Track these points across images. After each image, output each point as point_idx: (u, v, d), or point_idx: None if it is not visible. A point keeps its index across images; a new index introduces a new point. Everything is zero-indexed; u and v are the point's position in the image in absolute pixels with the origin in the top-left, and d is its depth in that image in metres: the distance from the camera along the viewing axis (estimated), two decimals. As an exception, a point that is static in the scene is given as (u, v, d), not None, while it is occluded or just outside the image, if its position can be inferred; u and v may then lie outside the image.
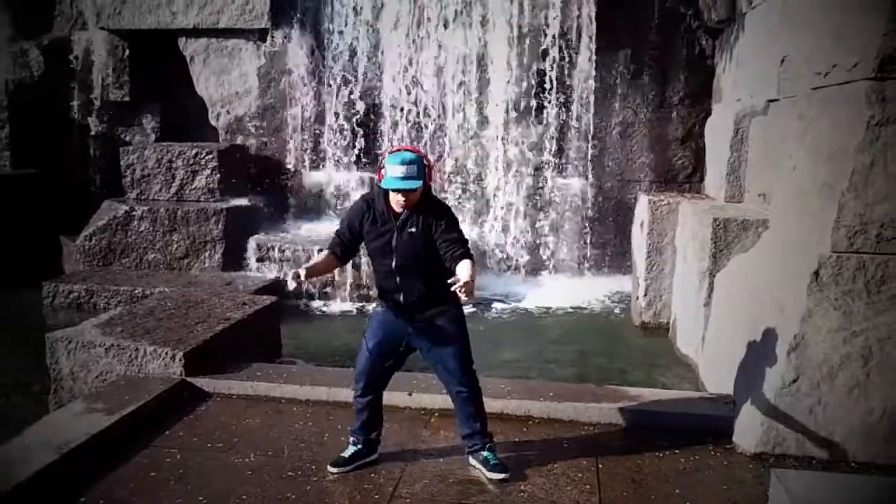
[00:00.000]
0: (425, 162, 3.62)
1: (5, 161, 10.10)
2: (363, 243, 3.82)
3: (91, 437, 3.99)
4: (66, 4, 10.31)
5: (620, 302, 8.48)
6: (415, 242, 3.66)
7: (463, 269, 3.48)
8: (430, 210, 3.69)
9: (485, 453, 3.84)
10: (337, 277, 8.21)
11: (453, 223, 3.71)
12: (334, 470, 3.84)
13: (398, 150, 3.63)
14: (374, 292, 8.00)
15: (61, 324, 6.32)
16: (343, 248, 3.83)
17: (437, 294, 3.69)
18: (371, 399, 3.91)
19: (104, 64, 10.12)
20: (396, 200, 3.62)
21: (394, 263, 3.70)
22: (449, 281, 3.43)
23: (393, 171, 3.53)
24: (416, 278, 3.71)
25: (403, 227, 3.66)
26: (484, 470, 3.80)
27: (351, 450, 3.90)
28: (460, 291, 3.38)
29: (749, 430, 4.15)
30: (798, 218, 4.86)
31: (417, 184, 3.56)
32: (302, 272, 3.63)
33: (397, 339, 3.85)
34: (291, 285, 3.67)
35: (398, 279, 3.73)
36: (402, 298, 3.76)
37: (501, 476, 3.74)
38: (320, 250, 3.83)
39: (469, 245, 3.70)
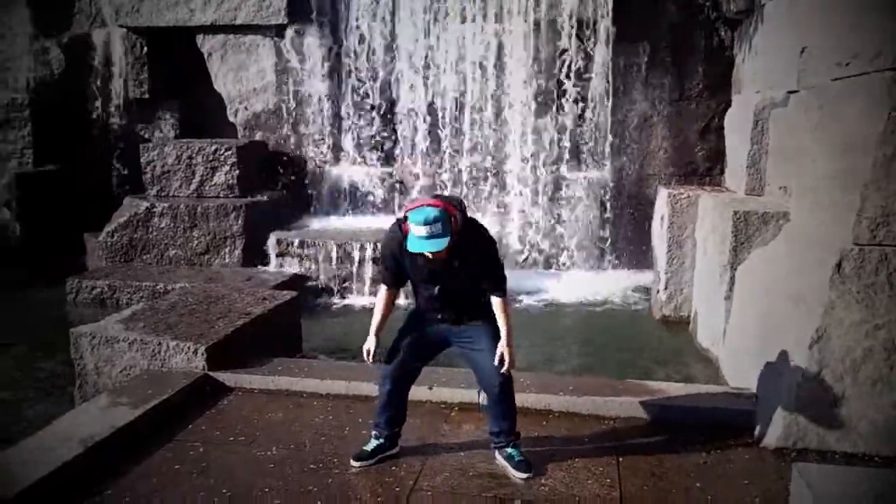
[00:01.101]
0: (449, 213, 3.48)
1: (27, 159, 10.20)
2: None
3: (115, 431, 4.06)
4: (84, 2, 10.39)
5: (641, 296, 8.44)
6: (457, 273, 3.67)
7: (503, 342, 3.70)
8: (471, 240, 3.64)
9: (510, 450, 3.85)
10: (356, 272, 8.25)
11: (494, 257, 3.77)
12: (357, 464, 3.87)
13: (420, 206, 3.47)
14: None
15: (85, 319, 6.39)
16: (394, 278, 3.85)
17: (475, 311, 3.80)
18: (398, 395, 3.92)
19: (123, 61, 10.21)
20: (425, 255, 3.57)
21: (436, 290, 3.74)
22: (495, 364, 3.70)
23: (417, 231, 3.44)
24: (458, 301, 3.78)
25: (449, 260, 3.61)
26: (509, 467, 3.82)
27: (373, 444, 3.93)
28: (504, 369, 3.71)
29: (771, 424, 4.13)
30: (819, 210, 4.82)
31: (444, 242, 3.45)
32: (372, 345, 3.81)
33: (432, 340, 3.91)
34: (370, 361, 3.86)
35: (439, 303, 3.79)
36: (441, 316, 3.83)
37: (525, 475, 3.76)
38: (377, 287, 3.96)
39: (506, 281, 3.79)
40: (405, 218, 3.53)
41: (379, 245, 8.04)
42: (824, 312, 4.16)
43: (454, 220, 3.51)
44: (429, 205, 3.47)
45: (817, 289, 4.28)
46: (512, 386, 3.86)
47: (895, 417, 3.97)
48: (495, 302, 3.74)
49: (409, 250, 3.52)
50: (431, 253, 3.50)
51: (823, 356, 4.08)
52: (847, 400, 4.03)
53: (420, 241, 3.46)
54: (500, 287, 3.74)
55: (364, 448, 3.92)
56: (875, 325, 4.08)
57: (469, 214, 3.72)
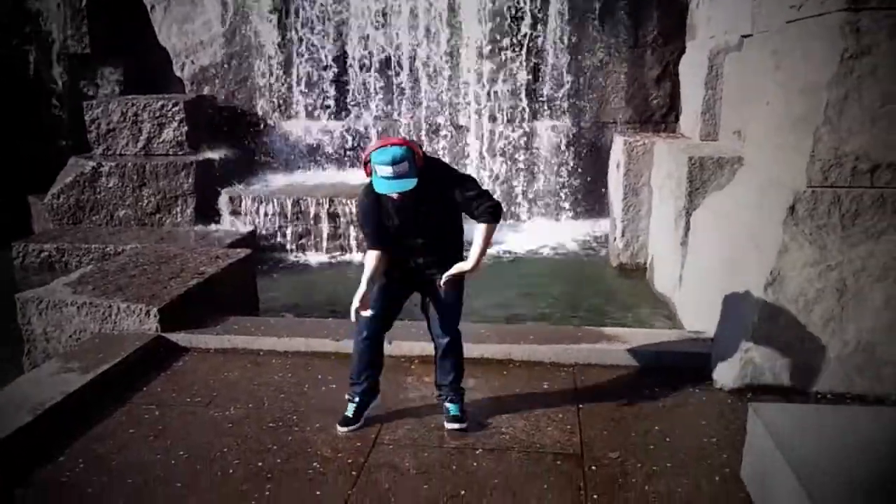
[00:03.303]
0: (414, 151, 3.37)
1: (-36, 120, 9.81)
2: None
3: (67, 397, 3.95)
4: (17, -48, 9.92)
5: (598, 244, 8.49)
6: (436, 214, 3.54)
7: (468, 263, 3.57)
8: (438, 177, 3.51)
9: (448, 404, 3.83)
10: (312, 228, 8.14)
11: (468, 180, 3.61)
12: (344, 429, 3.77)
13: (383, 146, 3.33)
14: (350, 242, 8.02)
15: (33, 284, 6.19)
16: (379, 238, 3.60)
17: (451, 255, 3.68)
18: (378, 345, 3.82)
19: (60, 15, 9.76)
20: (391, 196, 3.43)
21: (418, 240, 3.61)
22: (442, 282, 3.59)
23: (382, 171, 3.30)
24: (437, 245, 3.65)
25: (420, 205, 3.47)
26: (445, 420, 3.80)
27: (352, 407, 3.81)
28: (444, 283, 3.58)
29: (727, 365, 4.19)
30: (773, 154, 4.84)
31: (412, 182, 3.32)
32: (357, 303, 3.56)
33: (402, 296, 3.80)
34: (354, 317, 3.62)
35: (419, 250, 3.64)
36: (419, 262, 3.68)
37: (456, 426, 3.75)
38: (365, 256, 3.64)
39: (500, 208, 3.59)
40: (367, 160, 3.40)
41: (335, 200, 8.04)
42: (778, 255, 4.20)
43: (417, 157, 3.39)
44: (392, 144, 3.35)
45: (771, 231, 4.32)
46: (461, 342, 3.84)
47: (846, 356, 4.06)
48: (481, 227, 3.55)
49: (376, 191, 3.39)
50: (399, 193, 3.38)
51: (777, 297, 4.13)
52: (801, 340, 4.09)
53: (386, 181, 3.33)
54: (489, 212, 3.52)
55: (346, 414, 3.80)
56: (827, 266, 4.13)
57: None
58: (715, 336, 4.52)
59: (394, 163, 3.29)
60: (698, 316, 5.13)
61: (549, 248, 8.40)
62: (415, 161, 3.37)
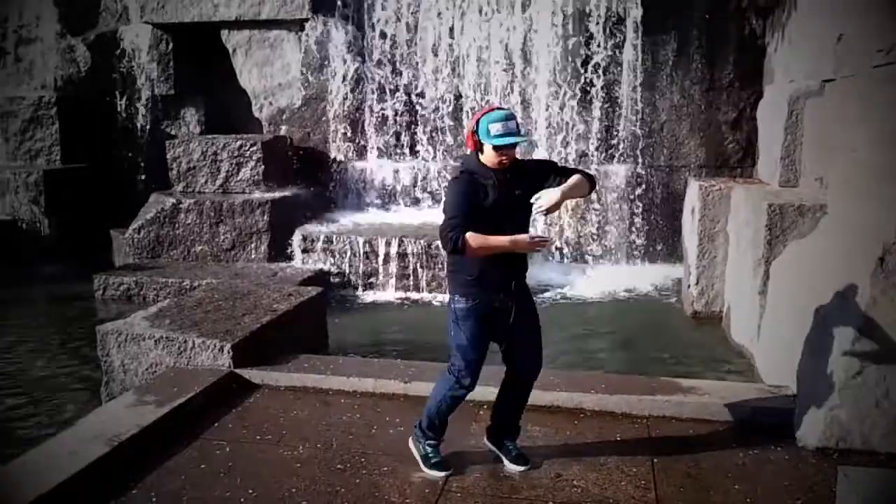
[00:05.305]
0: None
1: (55, 156, 10.28)
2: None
3: (141, 430, 4.01)
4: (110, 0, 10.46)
5: (671, 291, 8.29)
6: (523, 200, 3.49)
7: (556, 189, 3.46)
8: (531, 166, 3.69)
9: (510, 443, 3.82)
10: (381, 267, 8.20)
11: (553, 162, 3.79)
12: (443, 473, 3.71)
13: (491, 110, 3.49)
14: (419, 282, 8.02)
15: (112, 316, 6.40)
16: (470, 220, 3.42)
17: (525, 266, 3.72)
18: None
19: (149, 58, 10.23)
20: (499, 160, 3.45)
21: (507, 228, 3.46)
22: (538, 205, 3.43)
23: (498, 129, 3.41)
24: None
25: (512, 187, 3.51)
26: (509, 462, 3.76)
27: (437, 450, 3.79)
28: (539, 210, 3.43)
29: (811, 423, 3.99)
30: (859, 202, 4.66)
31: (524, 138, 3.54)
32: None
33: (494, 323, 3.62)
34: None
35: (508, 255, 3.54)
36: (508, 264, 3.55)
37: (526, 467, 3.73)
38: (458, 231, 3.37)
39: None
40: (474, 130, 3.47)
41: (405, 240, 8.09)
42: (866, 308, 4.01)
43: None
44: (499, 108, 3.54)
45: (859, 283, 4.13)
46: None
47: (942, 417, 3.82)
48: (576, 176, 3.52)
49: (500, 144, 3.41)
50: (510, 148, 3.45)
51: (866, 353, 3.93)
52: (891, 398, 3.88)
53: (506, 136, 3.43)
54: (586, 173, 3.60)
55: (438, 460, 3.75)
56: (920, 322, 3.92)
57: None
58: (798, 391, 4.32)
59: (507, 119, 3.45)
60: (779, 369, 4.93)
61: (620, 292, 8.24)
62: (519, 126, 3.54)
